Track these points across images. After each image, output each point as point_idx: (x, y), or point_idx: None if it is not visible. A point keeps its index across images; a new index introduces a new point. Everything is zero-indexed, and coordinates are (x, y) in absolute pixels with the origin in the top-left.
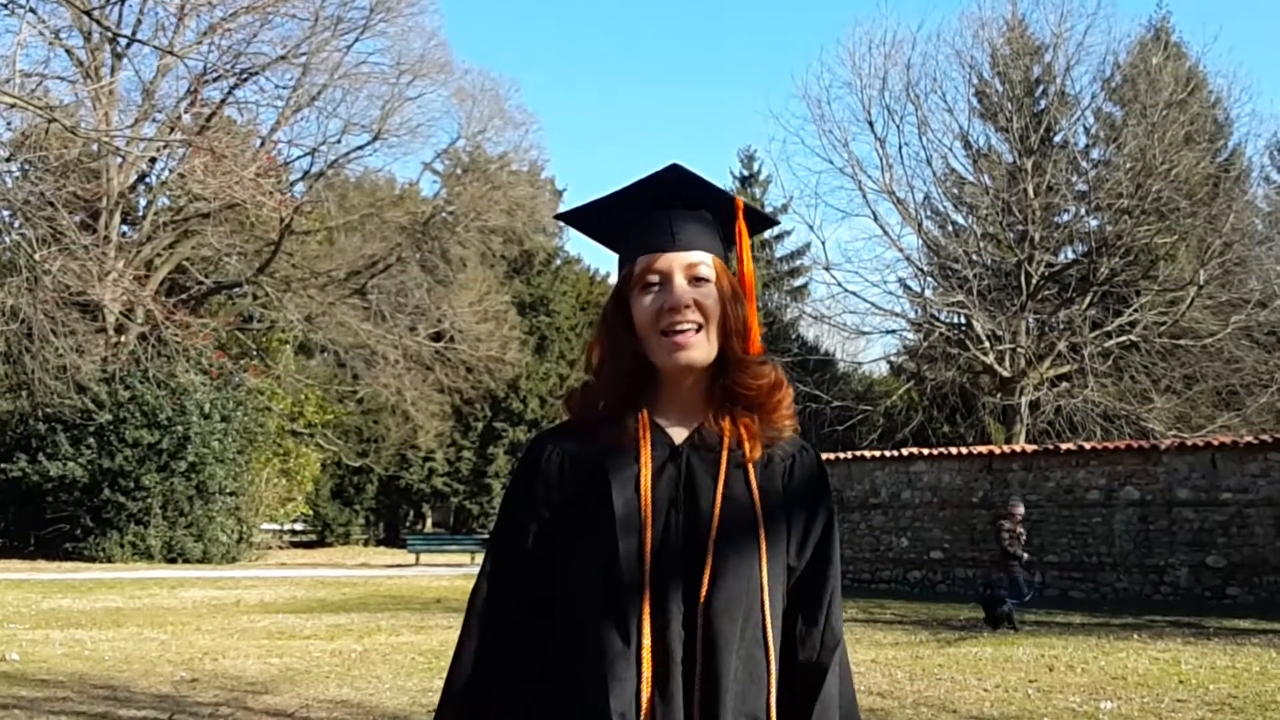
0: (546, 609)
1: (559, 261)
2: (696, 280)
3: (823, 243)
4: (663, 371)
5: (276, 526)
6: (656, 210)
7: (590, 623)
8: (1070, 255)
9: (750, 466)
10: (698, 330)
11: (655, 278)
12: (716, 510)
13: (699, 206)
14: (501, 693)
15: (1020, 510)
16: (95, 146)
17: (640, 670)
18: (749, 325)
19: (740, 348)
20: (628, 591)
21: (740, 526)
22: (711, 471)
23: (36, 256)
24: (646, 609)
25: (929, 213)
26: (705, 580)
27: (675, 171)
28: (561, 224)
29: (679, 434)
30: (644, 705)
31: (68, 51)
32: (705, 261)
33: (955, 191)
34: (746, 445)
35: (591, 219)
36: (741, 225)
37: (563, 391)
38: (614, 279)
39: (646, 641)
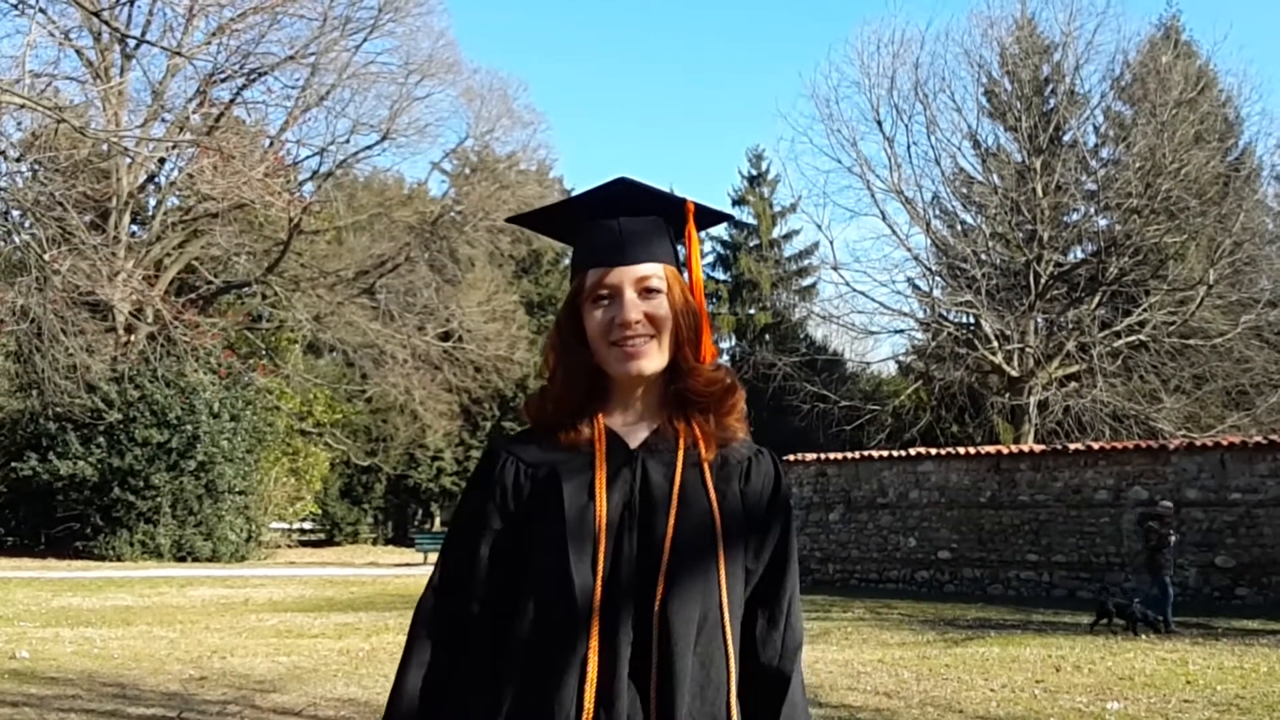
0: (504, 619)
1: (567, 261)
2: (647, 292)
3: (831, 242)
4: (615, 379)
5: (285, 525)
6: (606, 221)
7: (540, 632)
8: (1079, 255)
9: (706, 467)
10: (649, 340)
11: (606, 291)
12: (672, 512)
13: (649, 215)
14: (452, 711)
15: (1170, 511)
16: (105, 147)
17: (585, 676)
18: (699, 334)
19: (693, 355)
20: (579, 601)
21: (697, 527)
22: (667, 474)
23: (46, 256)
24: (595, 617)
25: (937, 212)
26: (660, 582)
27: (623, 183)
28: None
29: (635, 438)
30: (586, 710)
31: (77, 52)
32: (656, 273)
33: (964, 191)
34: (701, 446)
35: (545, 222)
36: (692, 230)
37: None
38: None
39: (594, 644)
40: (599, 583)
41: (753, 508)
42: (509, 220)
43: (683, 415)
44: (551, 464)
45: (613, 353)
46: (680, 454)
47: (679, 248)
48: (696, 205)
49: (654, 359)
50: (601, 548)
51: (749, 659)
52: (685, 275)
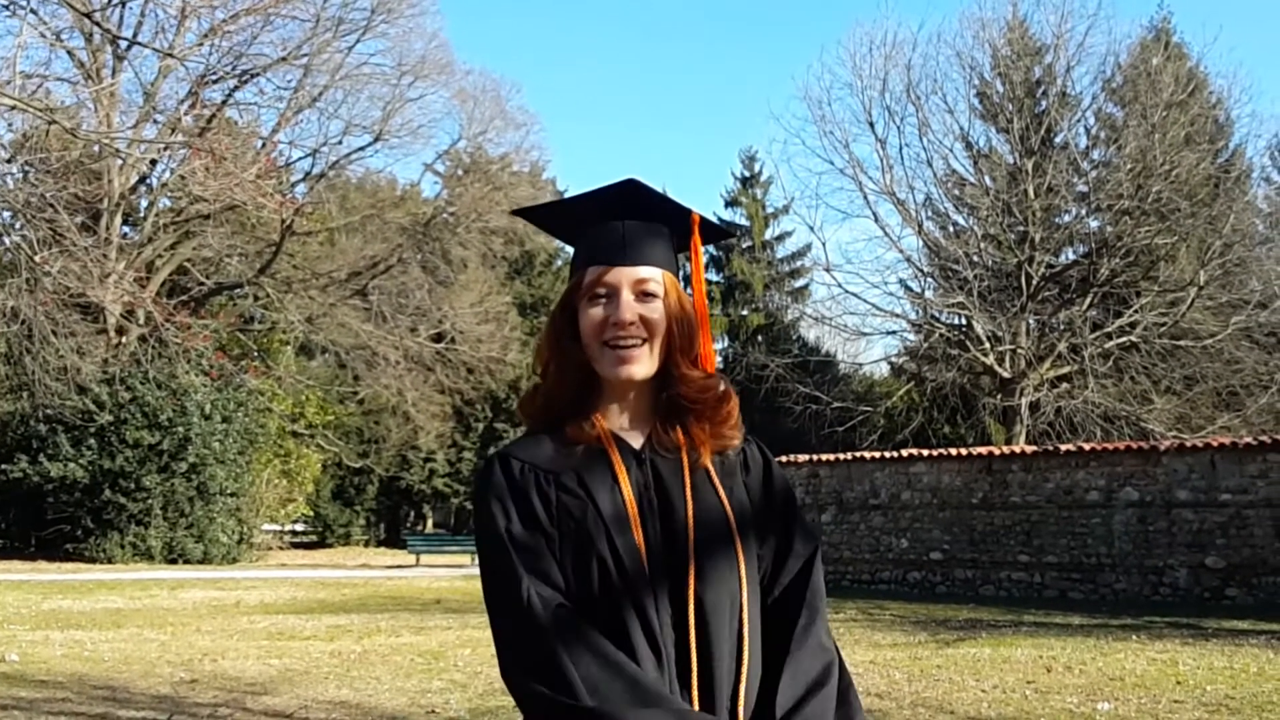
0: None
1: (560, 262)
2: (644, 295)
3: (823, 244)
4: (606, 381)
5: (277, 527)
6: (611, 221)
7: (604, 626)
8: (1070, 256)
9: (711, 468)
10: (641, 344)
11: (603, 290)
12: (690, 513)
13: (654, 220)
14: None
15: None
16: (96, 148)
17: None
18: (693, 341)
19: (685, 363)
20: (638, 592)
21: (714, 527)
22: (677, 475)
23: (37, 258)
24: (653, 608)
25: (929, 214)
26: (691, 582)
27: (632, 185)
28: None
29: (634, 441)
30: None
31: (69, 53)
32: (655, 277)
33: (956, 192)
34: (701, 449)
35: (550, 218)
36: (696, 240)
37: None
38: None
39: (646, 643)
40: (647, 579)
41: (756, 499)
42: (514, 212)
43: (677, 421)
44: (569, 468)
45: (605, 354)
46: (684, 456)
47: (680, 256)
48: (701, 218)
49: (645, 364)
50: (641, 545)
51: (766, 641)
52: (685, 285)
